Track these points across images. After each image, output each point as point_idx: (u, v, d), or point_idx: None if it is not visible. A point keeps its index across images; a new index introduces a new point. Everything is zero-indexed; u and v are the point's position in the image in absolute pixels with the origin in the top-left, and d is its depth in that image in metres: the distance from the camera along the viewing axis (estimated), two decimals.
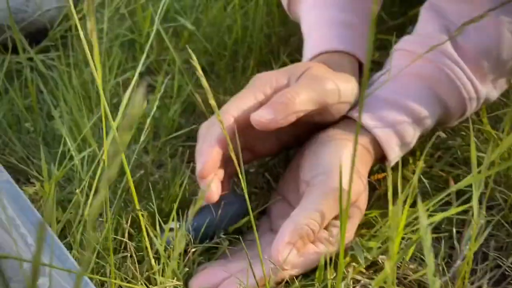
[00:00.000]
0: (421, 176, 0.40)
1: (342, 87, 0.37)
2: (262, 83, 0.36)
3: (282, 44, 0.59)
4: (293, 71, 0.37)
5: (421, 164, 0.39)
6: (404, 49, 0.40)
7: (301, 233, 0.32)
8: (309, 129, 0.40)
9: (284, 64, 0.55)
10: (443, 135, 0.45)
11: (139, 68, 0.35)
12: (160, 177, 0.43)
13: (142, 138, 0.42)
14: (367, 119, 0.38)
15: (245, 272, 0.31)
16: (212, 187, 0.34)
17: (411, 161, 0.43)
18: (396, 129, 0.38)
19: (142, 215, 0.32)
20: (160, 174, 0.44)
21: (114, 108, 0.50)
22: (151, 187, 0.39)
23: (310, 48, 0.43)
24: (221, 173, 0.36)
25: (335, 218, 0.35)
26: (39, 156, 0.42)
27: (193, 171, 0.45)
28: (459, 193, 0.41)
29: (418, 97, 0.38)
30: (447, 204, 0.41)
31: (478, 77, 0.39)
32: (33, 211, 0.34)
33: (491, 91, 0.40)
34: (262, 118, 0.34)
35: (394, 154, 0.39)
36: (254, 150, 0.40)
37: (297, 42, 0.57)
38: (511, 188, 0.40)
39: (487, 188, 0.40)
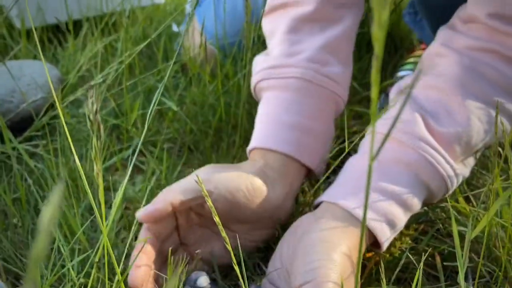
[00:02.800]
0: (408, 254, 0.41)
1: (223, 176, 0.40)
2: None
3: None
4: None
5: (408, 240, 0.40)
6: (381, 133, 0.41)
7: None
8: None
9: None
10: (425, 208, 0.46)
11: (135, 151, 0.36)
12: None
13: (133, 228, 0.42)
14: (358, 210, 0.38)
15: None
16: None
17: (397, 237, 0.44)
18: (388, 218, 0.39)
19: None
20: None
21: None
22: None
23: (251, 140, 0.46)
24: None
25: None
26: (27, 254, 0.41)
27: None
28: (446, 268, 0.42)
29: (405, 183, 0.39)
30: (436, 279, 0.42)
31: (452, 159, 0.41)
32: None
33: (463, 170, 0.42)
34: (139, 213, 0.39)
35: (387, 243, 0.39)
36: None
37: None
38: (495, 261, 0.42)
39: (473, 262, 0.41)
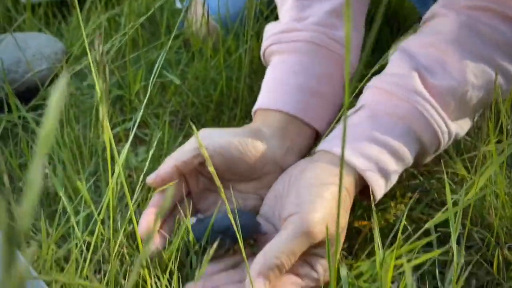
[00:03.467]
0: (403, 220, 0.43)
1: (216, 133, 0.42)
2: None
3: None
4: None
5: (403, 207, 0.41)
6: (377, 86, 0.42)
7: (271, 266, 0.34)
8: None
9: None
10: (420, 178, 0.48)
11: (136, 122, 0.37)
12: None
13: (136, 195, 0.43)
14: (352, 158, 0.39)
15: None
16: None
17: (392, 205, 0.46)
18: (379, 166, 0.40)
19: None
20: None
21: (105, 162, 0.51)
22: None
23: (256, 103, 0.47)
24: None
25: (315, 252, 0.37)
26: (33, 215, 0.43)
27: None
28: (440, 235, 0.43)
29: (397, 134, 0.40)
30: (429, 245, 0.43)
31: (446, 114, 0.42)
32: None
33: (458, 128, 0.43)
34: (148, 178, 0.41)
35: (380, 193, 0.40)
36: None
37: None
38: (487, 228, 0.43)
39: (465, 229, 0.42)
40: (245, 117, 0.59)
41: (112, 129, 0.55)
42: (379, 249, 0.33)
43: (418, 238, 0.44)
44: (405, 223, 0.42)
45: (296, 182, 0.39)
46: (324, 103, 0.46)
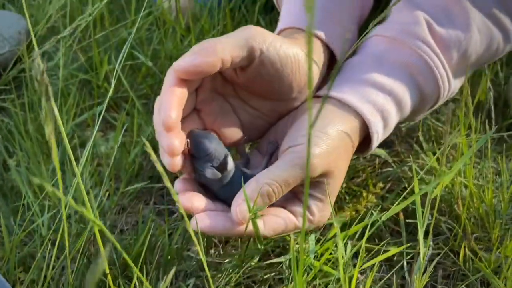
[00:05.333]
0: (373, 212, 0.43)
1: (272, 37, 0.35)
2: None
3: None
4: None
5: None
6: (382, 35, 0.41)
7: (262, 191, 0.34)
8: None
9: None
10: (394, 168, 0.47)
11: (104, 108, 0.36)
12: (127, 223, 0.43)
13: (103, 186, 0.42)
14: (359, 103, 0.38)
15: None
16: (175, 142, 0.33)
17: (364, 194, 0.46)
18: (383, 115, 0.39)
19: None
20: (126, 220, 0.44)
21: (73, 150, 0.50)
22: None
23: (279, 21, 0.43)
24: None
25: (312, 193, 0.36)
26: None
27: (158, 214, 0.46)
28: (409, 226, 0.44)
29: (400, 83, 0.39)
30: (399, 234, 0.43)
31: (450, 69, 0.41)
32: None
33: (455, 87, 0.43)
34: (180, 63, 0.33)
35: (377, 141, 0.39)
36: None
37: None
38: (455, 219, 0.43)
39: (433, 218, 0.43)
40: None
41: (80, 115, 0.53)
42: (342, 258, 0.33)
43: (387, 228, 0.44)
44: (375, 213, 0.43)
45: (299, 119, 0.38)
46: (337, 24, 0.42)
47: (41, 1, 0.65)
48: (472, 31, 0.40)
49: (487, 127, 0.44)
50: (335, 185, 0.37)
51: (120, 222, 0.44)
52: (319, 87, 0.42)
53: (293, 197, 0.37)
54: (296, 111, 0.40)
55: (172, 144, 0.33)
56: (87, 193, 0.45)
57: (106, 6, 0.59)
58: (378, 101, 0.38)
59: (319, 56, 0.40)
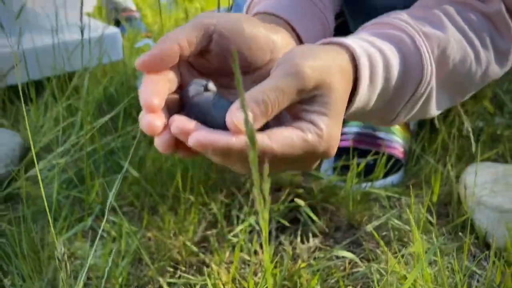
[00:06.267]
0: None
1: (224, 14, 0.36)
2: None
3: (219, 182, 0.65)
4: None
5: None
6: (373, 22, 0.46)
7: (257, 99, 0.32)
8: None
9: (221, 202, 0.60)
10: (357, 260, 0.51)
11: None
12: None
13: None
14: (346, 40, 0.39)
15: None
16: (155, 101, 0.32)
17: None
18: (371, 60, 0.39)
19: None
20: None
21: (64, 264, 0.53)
22: None
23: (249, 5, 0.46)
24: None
25: (315, 110, 0.35)
26: None
27: None
28: None
29: (389, 47, 0.42)
30: None
31: (431, 55, 0.44)
32: None
33: (439, 96, 0.46)
34: (139, 58, 0.34)
35: (363, 92, 0.39)
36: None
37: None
38: None
39: None
40: (202, 206, 0.62)
41: (68, 229, 0.57)
42: None
43: None
44: None
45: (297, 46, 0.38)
46: (309, 24, 0.46)
47: (34, 118, 0.70)
48: (449, 35, 0.45)
49: (443, 229, 0.48)
50: (336, 99, 0.35)
51: None
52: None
53: (294, 118, 0.35)
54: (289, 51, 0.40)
55: (151, 100, 0.32)
56: None
57: (97, 114, 0.64)
58: (369, 50, 0.40)
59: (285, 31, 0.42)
